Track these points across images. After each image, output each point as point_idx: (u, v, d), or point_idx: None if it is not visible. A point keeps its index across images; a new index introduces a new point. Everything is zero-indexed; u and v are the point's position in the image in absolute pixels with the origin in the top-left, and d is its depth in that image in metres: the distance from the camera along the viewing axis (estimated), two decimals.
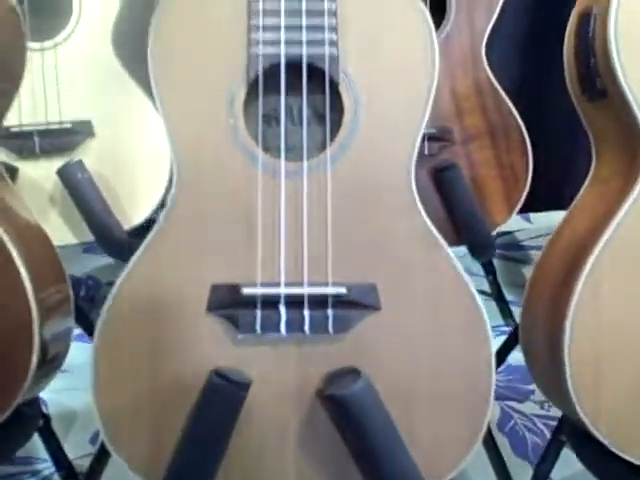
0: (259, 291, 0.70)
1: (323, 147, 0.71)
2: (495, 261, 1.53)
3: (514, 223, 1.46)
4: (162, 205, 1.26)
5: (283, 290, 0.70)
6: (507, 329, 1.35)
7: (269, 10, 0.69)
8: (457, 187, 1.18)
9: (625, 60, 0.72)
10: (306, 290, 0.70)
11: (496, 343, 1.32)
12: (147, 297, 0.71)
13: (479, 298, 0.71)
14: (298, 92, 0.71)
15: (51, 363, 0.86)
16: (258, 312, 0.71)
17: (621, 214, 0.72)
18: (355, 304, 0.71)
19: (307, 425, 0.72)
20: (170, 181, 1.21)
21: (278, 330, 0.71)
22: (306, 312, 0.71)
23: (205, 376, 0.70)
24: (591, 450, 0.78)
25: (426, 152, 1.19)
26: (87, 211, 1.20)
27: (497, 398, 1.17)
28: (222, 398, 0.69)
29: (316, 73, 0.71)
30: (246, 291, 0.70)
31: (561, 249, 0.79)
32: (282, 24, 0.69)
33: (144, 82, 1.24)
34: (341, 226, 0.70)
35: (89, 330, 1.22)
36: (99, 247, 1.24)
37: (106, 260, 1.52)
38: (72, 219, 1.23)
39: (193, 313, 0.71)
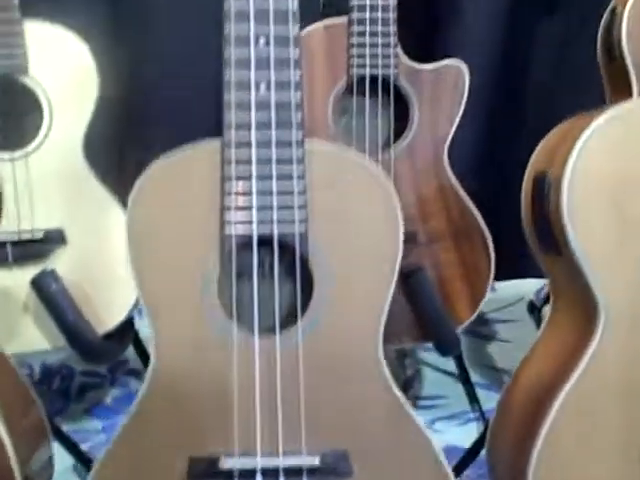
0: (236, 464, 0.73)
1: (295, 318, 0.75)
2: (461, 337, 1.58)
3: None
4: (135, 306, 1.29)
5: (259, 461, 0.73)
6: (473, 415, 1.40)
7: (241, 191, 0.73)
8: (423, 291, 1.22)
9: (578, 230, 0.77)
10: (281, 461, 0.73)
11: (464, 432, 1.38)
12: (132, 467, 0.74)
13: (447, 465, 0.75)
14: (271, 265, 0.74)
15: None
16: None
17: (578, 372, 0.77)
18: (328, 471, 0.74)
19: None
20: None
21: None
22: None
23: None
24: None
25: None
26: (61, 320, 1.21)
27: None
28: None
29: (287, 249, 0.74)
30: (224, 464, 0.73)
31: (522, 395, 0.83)
32: (254, 204, 0.73)
33: (114, 191, 1.27)
34: (313, 396, 0.74)
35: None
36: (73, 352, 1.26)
37: None
38: (45, 325, 1.24)
39: None
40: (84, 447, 1.26)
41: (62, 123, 1.22)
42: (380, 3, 1.20)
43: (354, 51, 1.21)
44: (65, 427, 1.28)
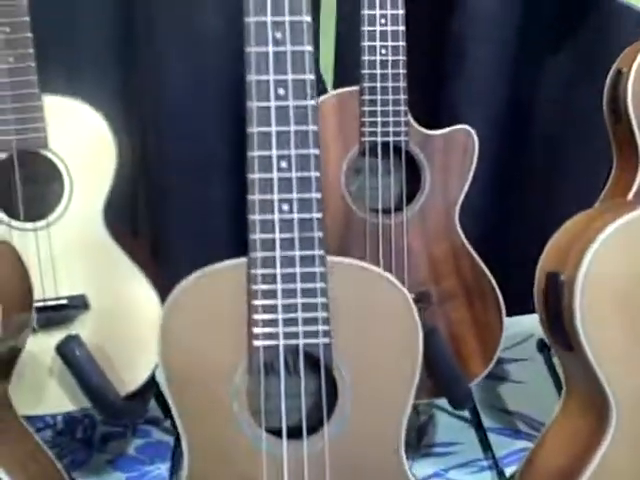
0: None
1: (321, 423, 0.78)
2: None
3: None
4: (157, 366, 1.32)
5: None
6: (487, 463, 1.43)
7: (268, 305, 0.76)
8: (437, 350, 1.26)
9: (590, 331, 0.80)
10: None
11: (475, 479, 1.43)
12: None
13: None
14: (297, 373, 0.78)
15: None
16: None
17: (591, 469, 0.80)
18: None
19: None
20: None
21: None
22: None
23: None
24: None
25: None
26: (85, 384, 1.25)
27: None
28: None
29: (312, 357, 0.78)
30: None
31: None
32: (280, 318, 0.76)
33: (135, 257, 1.30)
34: None
35: None
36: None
37: None
38: (70, 388, 1.28)
39: None
40: None
41: (82, 193, 1.26)
42: (390, 72, 1.23)
43: (366, 119, 1.24)
44: None
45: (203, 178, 1.48)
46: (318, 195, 0.76)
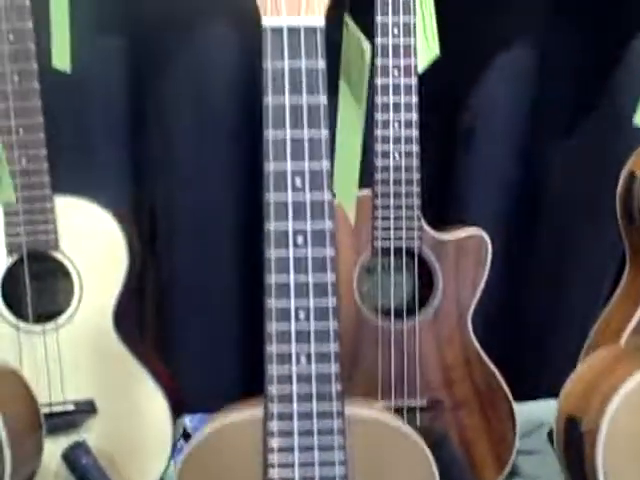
0: None
1: None
2: None
3: None
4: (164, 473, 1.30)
5: None
6: None
7: (284, 463, 0.75)
8: (448, 457, 1.24)
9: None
10: None
11: None
12: None
13: None
14: None
15: None
16: None
17: None
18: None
19: None
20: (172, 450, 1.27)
21: None
22: None
23: None
24: None
25: (418, 424, 1.25)
26: None
27: None
28: None
29: None
30: None
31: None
32: (296, 476, 0.75)
33: (144, 361, 1.29)
34: None
35: None
36: None
37: None
38: None
39: None
40: None
41: (92, 296, 1.25)
42: (404, 177, 1.23)
43: (378, 224, 1.24)
44: None
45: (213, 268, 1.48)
46: (337, 348, 0.74)
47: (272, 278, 0.74)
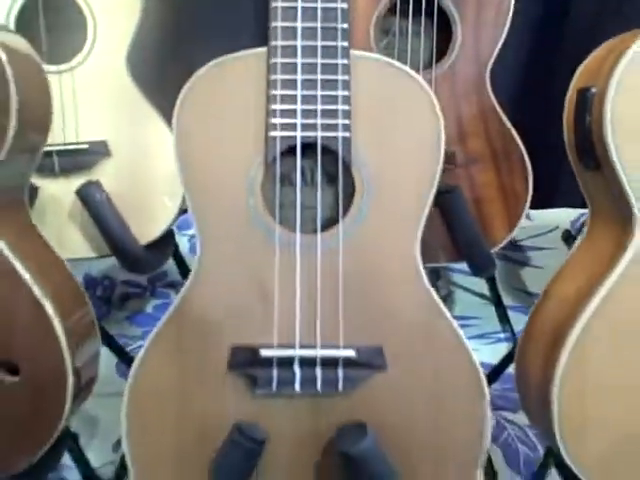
0: (276, 353, 0.77)
1: (336, 220, 0.77)
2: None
3: None
4: (182, 213, 1.32)
5: (298, 352, 0.77)
6: (504, 335, 1.43)
7: (286, 95, 0.74)
8: (458, 210, 1.24)
9: (619, 141, 0.77)
10: (319, 352, 0.77)
11: (493, 350, 1.42)
12: (174, 356, 0.78)
13: (477, 361, 0.78)
14: (314, 169, 0.77)
15: (84, 391, 0.93)
16: (274, 371, 0.78)
17: (609, 283, 0.78)
18: (363, 365, 0.78)
19: (319, 473, 0.80)
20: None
21: (292, 388, 0.78)
22: (318, 372, 0.78)
23: (226, 428, 0.78)
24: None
25: None
26: (105, 229, 1.25)
27: (495, 407, 1.24)
28: (240, 452, 0.76)
29: (330, 154, 0.76)
30: (264, 353, 0.77)
31: (553, 307, 0.85)
32: (298, 108, 0.74)
33: (158, 103, 1.29)
34: (351, 294, 0.77)
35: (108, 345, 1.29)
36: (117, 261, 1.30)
37: None
38: (91, 234, 1.28)
39: (215, 372, 0.78)
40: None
41: (106, 37, 1.24)
42: None
43: None
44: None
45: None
46: None
47: None
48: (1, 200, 0.86)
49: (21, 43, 0.91)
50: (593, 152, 0.80)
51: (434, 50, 1.25)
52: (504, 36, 1.24)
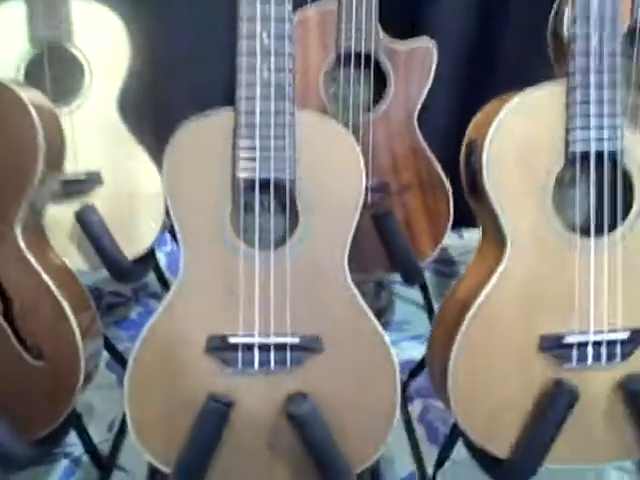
0: (240, 340, 1.03)
1: (285, 240, 1.03)
2: (429, 275, 1.87)
3: (447, 239, 1.77)
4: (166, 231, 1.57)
5: (257, 339, 1.04)
6: None
7: (248, 146, 1.00)
8: (391, 230, 1.51)
9: (493, 183, 1.04)
10: (272, 340, 1.03)
11: (424, 349, 1.67)
12: (165, 341, 1.04)
13: (390, 346, 1.05)
14: (269, 201, 1.03)
15: (89, 377, 1.17)
16: (239, 354, 1.04)
17: (489, 287, 1.05)
18: (306, 349, 1.05)
19: (275, 433, 1.06)
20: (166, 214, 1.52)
21: (253, 366, 1.05)
22: (272, 354, 1.04)
23: (203, 397, 1.04)
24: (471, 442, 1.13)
25: (369, 201, 1.51)
26: (99, 245, 1.50)
27: (421, 396, 1.51)
28: (214, 414, 1.02)
29: (281, 190, 1.02)
30: (231, 340, 1.03)
31: (453, 303, 1.12)
32: (257, 156, 1.00)
33: (142, 140, 1.54)
34: (297, 295, 1.04)
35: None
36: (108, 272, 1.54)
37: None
38: (86, 250, 1.53)
39: (196, 353, 1.04)
40: None
41: (100, 84, 1.50)
42: None
43: (342, 30, 1.47)
44: None
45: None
46: (290, 64, 0.99)
47: None
48: (32, 221, 1.10)
49: (41, 97, 1.15)
50: (478, 189, 1.07)
51: (371, 97, 1.52)
52: (428, 86, 1.52)
